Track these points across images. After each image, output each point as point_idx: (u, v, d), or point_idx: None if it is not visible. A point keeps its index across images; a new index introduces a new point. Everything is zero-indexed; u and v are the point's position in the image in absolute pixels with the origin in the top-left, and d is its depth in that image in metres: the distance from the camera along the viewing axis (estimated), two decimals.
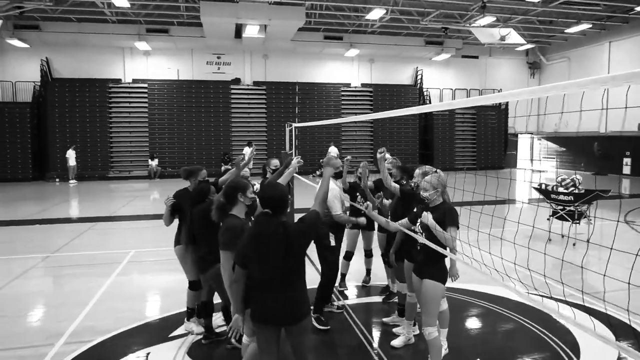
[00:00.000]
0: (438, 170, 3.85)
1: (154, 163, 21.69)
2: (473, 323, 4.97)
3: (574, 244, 7.65)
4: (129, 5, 16.89)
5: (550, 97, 23.34)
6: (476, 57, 26.28)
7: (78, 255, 7.92)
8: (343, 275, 5.73)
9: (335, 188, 4.85)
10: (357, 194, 5.46)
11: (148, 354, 4.15)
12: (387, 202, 4.65)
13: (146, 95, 22.35)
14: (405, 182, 4.44)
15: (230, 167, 20.29)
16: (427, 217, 3.41)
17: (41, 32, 20.14)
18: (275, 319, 2.80)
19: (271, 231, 2.76)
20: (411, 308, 4.20)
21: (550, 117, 25.31)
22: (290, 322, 2.81)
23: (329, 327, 4.61)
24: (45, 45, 21.05)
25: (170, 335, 4.53)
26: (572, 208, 7.47)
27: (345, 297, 5.61)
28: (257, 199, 3.45)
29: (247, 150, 20.47)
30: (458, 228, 3.46)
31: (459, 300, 5.39)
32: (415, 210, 3.74)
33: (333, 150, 20.31)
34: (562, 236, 8.18)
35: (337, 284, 5.70)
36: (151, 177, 21.50)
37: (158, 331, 4.64)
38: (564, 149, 24.88)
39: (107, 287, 6.01)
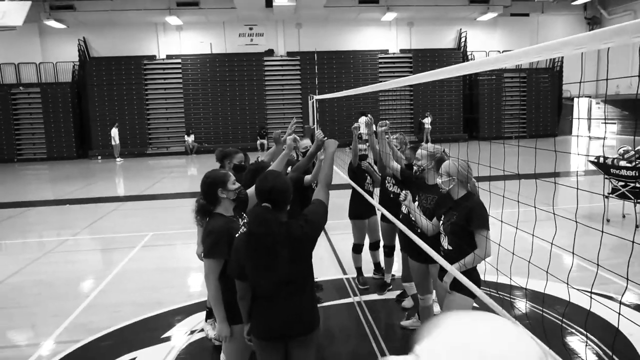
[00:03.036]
0: (451, 156, 3.12)
1: (190, 139, 21.69)
2: None
3: (637, 226, 6.61)
4: None
5: (611, 57, 20.95)
6: (527, 15, 24.00)
7: (96, 238, 7.76)
8: (359, 269, 5.08)
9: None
10: (366, 175, 4.81)
11: (133, 359, 3.77)
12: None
13: (180, 71, 22.20)
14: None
15: (264, 142, 20.13)
16: (406, 196, 3.13)
17: (76, 11, 20.21)
18: (281, 333, 2.37)
19: (270, 231, 2.20)
20: (426, 312, 3.54)
21: (610, 77, 22.90)
22: (297, 335, 2.39)
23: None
24: (81, 25, 21.21)
25: (162, 337, 4.13)
26: (637, 184, 6.40)
27: (364, 292, 4.94)
28: (244, 189, 2.87)
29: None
30: (489, 229, 2.77)
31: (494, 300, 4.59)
32: (422, 199, 3.08)
33: (362, 121, 19.30)
34: (624, 217, 7.12)
35: (356, 280, 5.12)
36: (188, 153, 21.57)
37: (152, 331, 4.25)
38: (627, 113, 22.56)
39: (112, 276, 5.71)
